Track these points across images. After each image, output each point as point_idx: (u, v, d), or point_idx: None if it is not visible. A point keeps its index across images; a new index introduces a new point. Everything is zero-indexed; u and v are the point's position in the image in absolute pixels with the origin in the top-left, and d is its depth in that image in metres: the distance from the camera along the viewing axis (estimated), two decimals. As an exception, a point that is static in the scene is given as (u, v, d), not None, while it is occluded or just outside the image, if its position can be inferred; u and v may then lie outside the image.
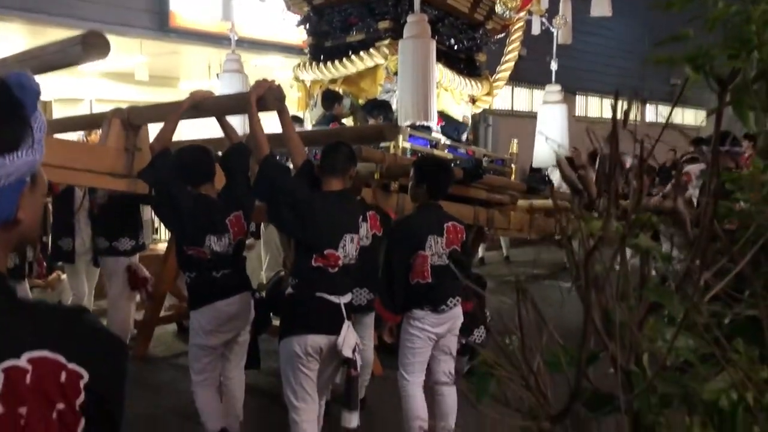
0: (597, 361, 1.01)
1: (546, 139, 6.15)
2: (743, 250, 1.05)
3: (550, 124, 6.97)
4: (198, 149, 3.52)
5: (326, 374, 3.20)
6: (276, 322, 4.31)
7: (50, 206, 6.20)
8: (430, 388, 3.56)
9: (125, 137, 3.88)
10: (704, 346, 0.95)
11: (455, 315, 3.50)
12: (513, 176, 6.59)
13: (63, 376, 0.91)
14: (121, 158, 3.85)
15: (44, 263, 5.74)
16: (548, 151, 6.62)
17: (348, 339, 3.05)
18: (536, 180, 6.18)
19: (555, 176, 7.83)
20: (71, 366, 0.92)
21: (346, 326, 3.07)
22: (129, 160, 3.84)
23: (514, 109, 14.13)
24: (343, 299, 3.12)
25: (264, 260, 7.88)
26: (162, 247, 7.08)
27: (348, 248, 3.12)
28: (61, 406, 0.90)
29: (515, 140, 6.91)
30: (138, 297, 5.34)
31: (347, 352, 3.03)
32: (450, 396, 3.55)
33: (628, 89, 1.03)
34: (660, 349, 0.87)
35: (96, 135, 5.25)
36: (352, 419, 3.12)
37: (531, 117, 12.32)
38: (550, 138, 6.41)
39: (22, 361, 0.88)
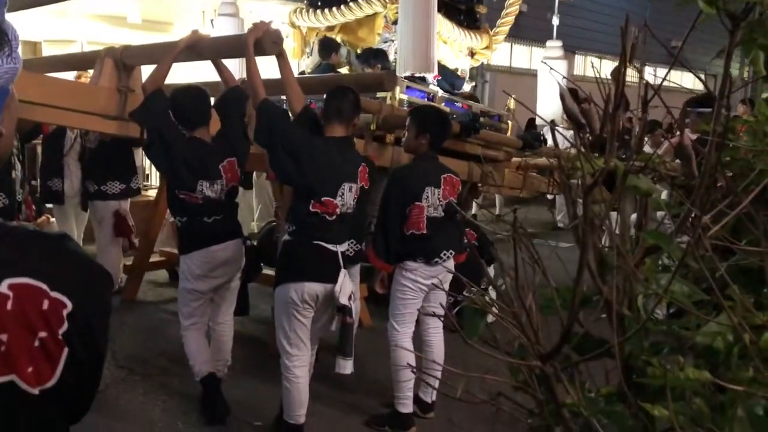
0: (589, 305, 1.00)
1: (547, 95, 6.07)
2: (742, 197, 1.03)
3: (551, 81, 6.88)
4: (195, 90, 3.44)
5: (321, 322, 3.21)
6: (266, 271, 4.33)
7: (39, 148, 6.14)
8: (418, 340, 3.59)
9: (118, 78, 3.79)
10: (698, 293, 0.94)
11: (447, 268, 3.50)
12: (509, 133, 6.53)
13: (45, 304, 0.89)
14: (113, 99, 3.77)
15: (33, 206, 5.69)
16: (551, 106, 6.54)
17: (344, 287, 3.05)
18: (532, 137, 6.11)
19: (550, 134, 7.80)
20: (54, 294, 0.90)
21: (343, 274, 3.07)
22: (121, 102, 3.76)
23: (513, 65, 13.96)
24: (340, 248, 3.11)
25: (255, 210, 7.86)
26: (153, 193, 7.02)
27: (346, 197, 3.09)
28: (43, 334, 0.89)
29: (512, 97, 6.82)
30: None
31: (343, 300, 3.04)
32: (438, 347, 3.58)
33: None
34: (655, 292, 0.85)
35: (87, 76, 5.15)
36: (347, 366, 3.15)
37: (529, 75, 12.18)
38: (550, 96, 6.33)
39: (3, 288, 0.86)
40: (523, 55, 14.18)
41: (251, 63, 3.17)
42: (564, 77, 7.04)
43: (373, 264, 3.53)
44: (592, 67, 0.98)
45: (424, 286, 3.45)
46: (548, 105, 6.76)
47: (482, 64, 8.15)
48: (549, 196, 7.71)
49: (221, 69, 3.64)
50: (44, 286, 0.89)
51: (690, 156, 0.88)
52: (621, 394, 0.89)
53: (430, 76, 5.65)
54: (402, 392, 3.43)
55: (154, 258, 5.76)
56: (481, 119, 5.78)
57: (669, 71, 1.08)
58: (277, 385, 3.29)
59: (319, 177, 3.03)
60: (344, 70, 6.10)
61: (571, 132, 1.03)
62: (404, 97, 5.27)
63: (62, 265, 0.94)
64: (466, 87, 6.92)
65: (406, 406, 3.45)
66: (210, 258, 3.40)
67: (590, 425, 0.84)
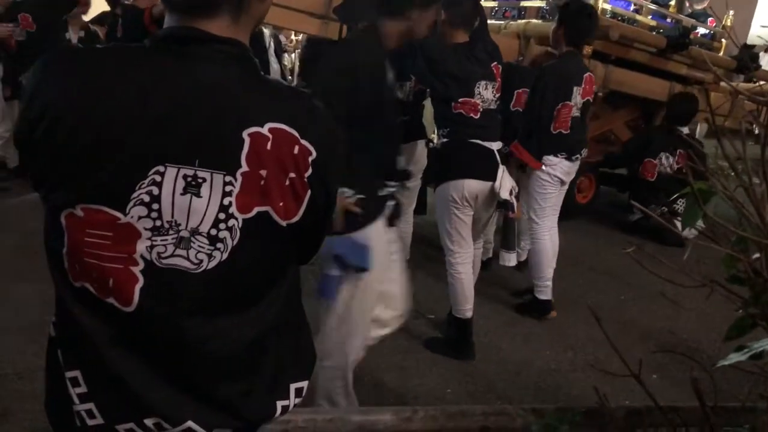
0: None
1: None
2: None
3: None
4: None
5: (482, 220, 3.32)
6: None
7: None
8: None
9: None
10: None
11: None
12: (722, 52, 5.92)
13: (296, 149, 1.01)
14: (318, -2, 3.92)
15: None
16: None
17: (504, 183, 3.13)
18: (750, 57, 5.48)
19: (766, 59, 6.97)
20: (303, 142, 1.01)
21: (501, 170, 3.14)
22: (326, 1, 3.91)
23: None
24: (494, 145, 3.15)
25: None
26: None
27: (484, 94, 3.11)
28: (293, 175, 1.01)
29: (731, 11, 6.13)
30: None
31: (504, 195, 3.12)
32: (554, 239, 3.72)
33: None
34: None
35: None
36: (511, 259, 3.46)
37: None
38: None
39: (264, 130, 0.98)
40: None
41: None
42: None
43: (523, 160, 3.59)
44: None
45: (561, 181, 3.59)
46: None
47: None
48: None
49: None
50: (296, 134, 1.01)
51: None
52: None
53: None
54: (542, 281, 3.70)
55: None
56: (692, 36, 5.29)
57: None
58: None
59: (453, 80, 3.06)
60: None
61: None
62: (608, 6, 4.96)
63: (311, 118, 1.04)
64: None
65: (545, 294, 3.72)
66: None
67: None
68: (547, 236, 3.64)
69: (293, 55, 8.49)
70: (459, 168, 3.14)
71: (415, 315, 3.70)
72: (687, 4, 6.49)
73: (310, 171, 1.02)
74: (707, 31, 6.23)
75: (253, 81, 1.03)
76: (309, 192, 1.03)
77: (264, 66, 5.82)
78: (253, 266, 1.05)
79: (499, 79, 3.19)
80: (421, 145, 3.67)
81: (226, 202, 0.98)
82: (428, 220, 4.88)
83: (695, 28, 5.87)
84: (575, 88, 3.48)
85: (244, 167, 0.97)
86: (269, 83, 1.06)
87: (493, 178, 3.11)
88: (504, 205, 3.19)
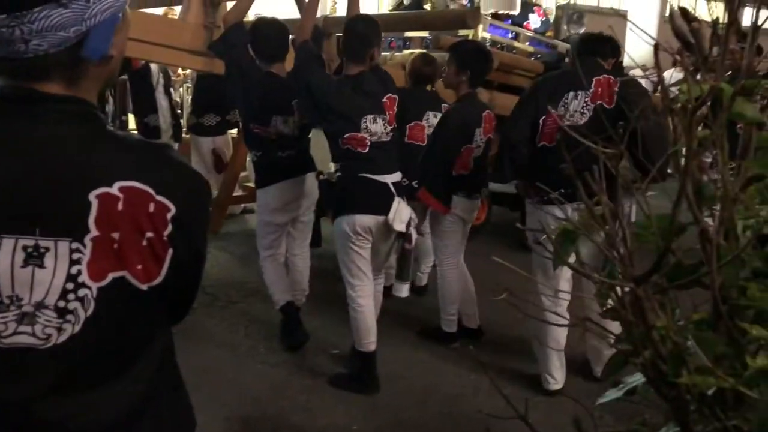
0: (684, 234, 0.99)
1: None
2: None
3: (641, 21, 6.54)
4: (274, 24, 3.50)
5: (382, 252, 3.32)
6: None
7: (128, 84, 6.37)
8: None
9: (205, 14, 3.87)
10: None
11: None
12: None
13: (152, 207, 0.95)
14: (200, 35, 3.85)
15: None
16: (641, 49, 6.24)
17: (400, 214, 3.13)
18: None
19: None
20: (159, 198, 0.96)
21: (396, 202, 3.14)
22: (208, 38, 3.83)
23: (601, 5, 13.32)
24: (389, 178, 3.16)
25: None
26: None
27: (372, 128, 3.11)
28: (150, 234, 0.95)
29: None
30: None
31: (399, 227, 3.12)
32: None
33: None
34: (758, 219, 0.84)
35: (174, 14, 5.28)
36: (403, 289, 3.46)
37: (619, 16, 11.59)
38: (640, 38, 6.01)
39: (114, 189, 0.93)
40: (612, -6, 13.50)
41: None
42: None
43: (431, 206, 3.57)
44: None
45: (463, 219, 3.64)
46: (639, 47, 6.45)
47: (568, 2, 7.82)
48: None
49: (301, 4, 3.66)
50: (150, 190, 0.95)
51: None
52: (711, 322, 0.89)
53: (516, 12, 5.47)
54: (447, 315, 3.74)
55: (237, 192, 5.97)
56: (567, 60, 5.59)
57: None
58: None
59: (339, 115, 3.08)
60: (427, 7, 5.99)
61: (666, 74, 1.00)
62: (487, 35, 5.15)
63: (166, 172, 0.99)
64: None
65: (450, 327, 3.75)
66: (284, 192, 3.51)
67: (679, 350, 0.84)
68: (453, 273, 3.66)
69: (181, 89, 8.28)
70: (351, 203, 3.14)
71: (319, 351, 3.65)
72: (565, 28, 6.86)
73: (170, 228, 0.97)
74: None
75: (98, 139, 0.97)
76: (171, 251, 0.98)
77: (152, 104, 5.61)
78: (115, 336, 0.98)
79: (391, 111, 3.20)
80: (311, 178, 3.64)
81: (74, 271, 0.92)
82: (325, 253, 4.86)
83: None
84: (477, 130, 3.49)
85: (94, 232, 0.92)
86: (118, 139, 1.00)
87: (386, 212, 3.11)
88: (402, 237, 3.20)
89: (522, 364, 3.53)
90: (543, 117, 3.12)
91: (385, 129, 3.16)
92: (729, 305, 0.81)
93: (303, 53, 3.20)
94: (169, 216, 0.96)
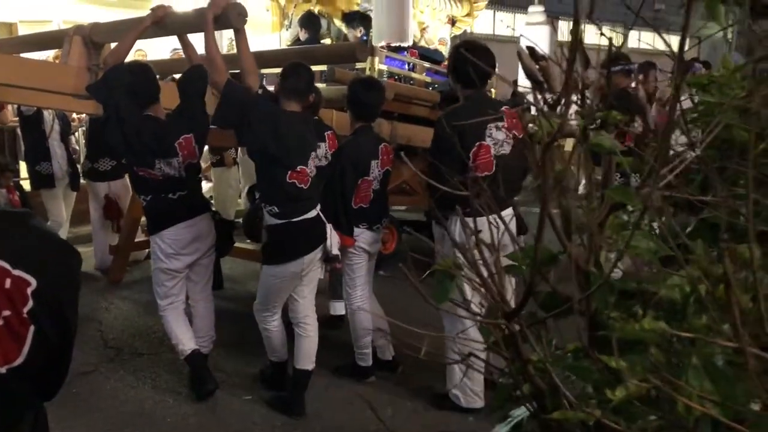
0: (557, 265, 1.01)
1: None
2: (708, 153, 1.03)
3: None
4: (142, 67, 3.41)
5: (310, 278, 3.37)
6: (250, 246, 4.34)
7: (19, 132, 6.05)
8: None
9: (87, 56, 3.71)
10: (664, 249, 0.95)
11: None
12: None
13: (8, 283, 0.88)
14: (84, 78, 3.68)
15: (15, 192, 5.61)
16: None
17: (333, 239, 3.31)
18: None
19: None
20: (17, 272, 0.89)
21: (329, 228, 3.31)
22: (92, 80, 3.69)
23: (496, 33, 13.87)
24: (315, 212, 3.28)
25: (243, 188, 7.79)
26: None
27: (310, 165, 3.23)
28: (7, 313, 0.88)
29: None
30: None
31: (335, 251, 3.32)
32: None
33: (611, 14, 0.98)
34: (618, 248, 0.86)
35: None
36: (340, 307, 3.68)
37: (513, 42, 12.13)
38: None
39: None
40: (506, 23, 14.08)
41: (210, 39, 3.24)
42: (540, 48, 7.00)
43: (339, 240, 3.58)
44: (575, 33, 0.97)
45: (367, 251, 3.63)
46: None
47: (464, 32, 8.08)
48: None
49: (186, 44, 3.62)
50: (6, 265, 0.88)
51: (644, 107, 0.88)
52: (587, 350, 0.90)
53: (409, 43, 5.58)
54: (360, 349, 3.72)
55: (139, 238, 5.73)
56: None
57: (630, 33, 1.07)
58: (265, 358, 3.52)
59: (293, 146, 3.13)
60: (326, 41, 6.03)
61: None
62: (383, 67, 5.23)
63: (25, 242, 0.93)
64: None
65: (365, 360, 3.73)
66: (179, 235, 3.39)
67: (554, 384, 0.84)
68: (362, 305, 3.65)
69: (76, 134, 7.94)
70: (295, 248, 3.24)
71: (231, 398, 3.51)
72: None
73: (30, 304, 0.89)
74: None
75: None
76: (32, 328, 0.90)
77: (44, 152, 5.34)
78: None
79: (332, 149, 3.41)
80: (206, 218, 3.51)
81: None
82: (229, 293, 4.74)
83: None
84: (373, 162, 3.51)
85: None
86: None
87: (324, 240, 3.27)
88: (333, 259, 3.34)
89: (441, 385, 3.51)
90: (473, 150, 3.12)
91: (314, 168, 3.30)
92: (592, 336, 0.82)
93: (234, 90, 3.16)
94: (29, 291, 0.89)
